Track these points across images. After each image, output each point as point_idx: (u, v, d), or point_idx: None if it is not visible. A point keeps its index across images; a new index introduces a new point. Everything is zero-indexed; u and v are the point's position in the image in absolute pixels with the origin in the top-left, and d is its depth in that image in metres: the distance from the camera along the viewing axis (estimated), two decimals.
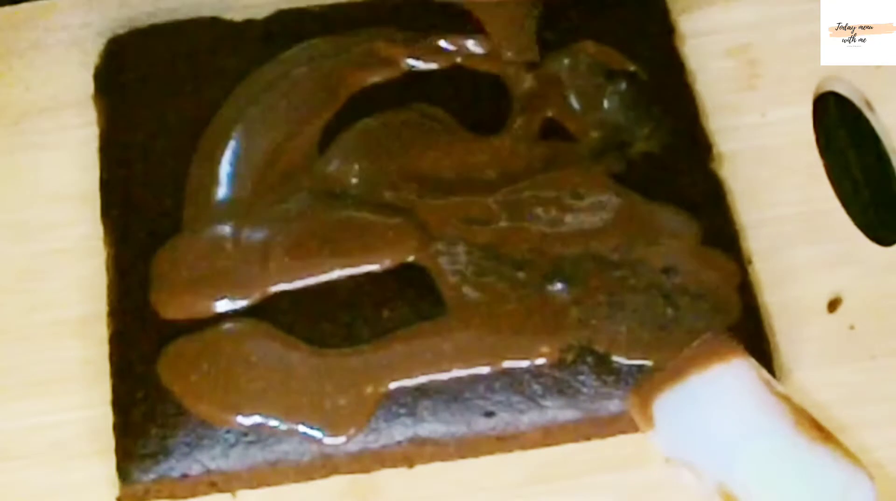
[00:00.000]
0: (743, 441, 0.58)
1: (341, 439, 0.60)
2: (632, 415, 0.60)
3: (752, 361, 0.60)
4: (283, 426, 0.60)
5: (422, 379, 0.60)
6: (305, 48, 0.68)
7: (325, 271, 0.62)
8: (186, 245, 0.64)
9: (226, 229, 0.64)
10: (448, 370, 0.60)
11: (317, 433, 0.60)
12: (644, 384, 0.60)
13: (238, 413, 0.60)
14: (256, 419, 0.60)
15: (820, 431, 0.59)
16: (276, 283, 0.62)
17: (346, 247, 0.63)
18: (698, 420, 0.59)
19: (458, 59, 0.67)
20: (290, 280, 0.62)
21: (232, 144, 0.66)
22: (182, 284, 0.63)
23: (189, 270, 0.63)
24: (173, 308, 0.62)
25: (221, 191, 0.65)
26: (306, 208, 0.64)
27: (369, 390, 0.60)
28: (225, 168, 0.65)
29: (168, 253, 0.64)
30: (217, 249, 0.63)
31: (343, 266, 0.62)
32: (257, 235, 0.63)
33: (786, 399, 0.59)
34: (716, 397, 0.59)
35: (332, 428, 0.60)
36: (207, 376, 0.61)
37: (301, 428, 0.60)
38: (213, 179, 0.65)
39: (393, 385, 0.60)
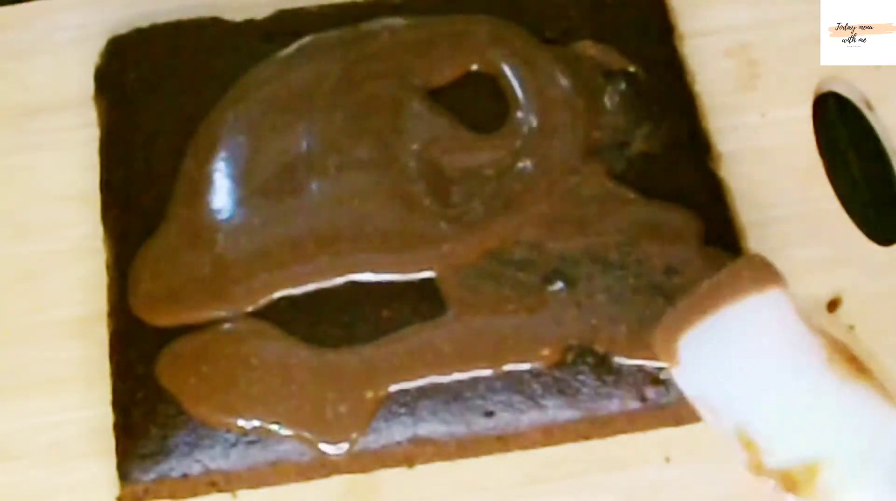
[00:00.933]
0: (771, 379, 0.55)
1: (343, 446, 0.60)
2: (655, 350, 0.58)
3: (790, 291, 0.57)
4: (284, 431, 0.60)
5: (422, 382, 0.60)
6: (304, 45, 0.68)
7: (324, 277, 0.62)
8: (171, 248, 0.63)
9: (215, 233, 0.63)
10: (448, 373, 0.60)
11: (318, 441, 0.60)
12: (672, 317, 0.57)
13: (238, 417, 0.60)
14: (256, 423, 0.60)
15: (854, 365, 0.55)
16: (271, 292, 0.62)
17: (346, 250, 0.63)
18: (726, 357, 0.56)
19: (475, 67, 0.67)
20: (287, 287, 0.62)
21: (226, 143, 0.65)
22: (165, 292, 0.62)
23: (172, 277, 0.63)
24: (155, 317, 0.62)
25: (213, 191, 0.64)
26: (302, 210, 0.64)
27: (370, 395, 0.60)
28: (217, 167, 0.65)
29: (150, 255, 0.63)
30: (204, 254, 0.63)
31: (343, 272, 0.62)
32: (250, 238, 0.63)
33: (821, 332, 0.56)
34: (747, 331, 0.56)
35: (334, 436, 0.60)
36: (207, 378, 0.60)
37: (301, 435, 0.60)
38: (204, 178, 0.65)
39: (393, 388, 0.60)
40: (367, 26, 0.68)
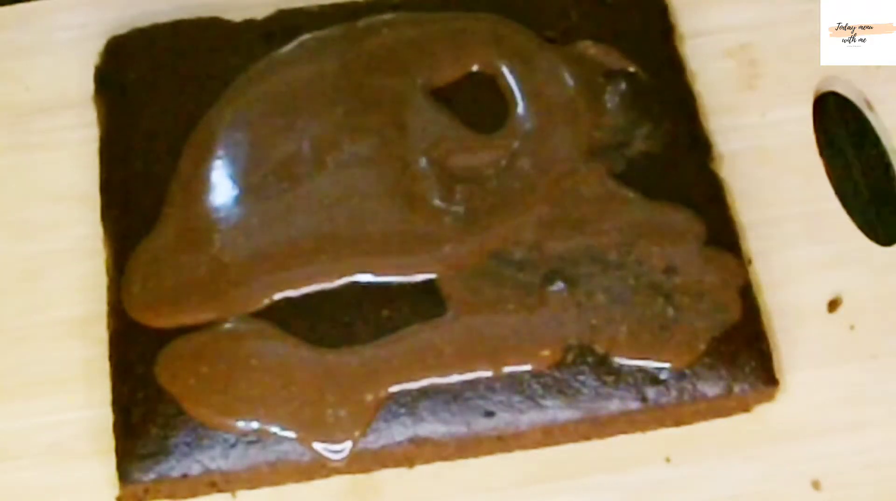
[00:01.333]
0: None
1: (344, 449, 0.60)
2: None
3: None
4: (284, 434, 0.60)
5: (422, 383, 0.60)
6: (303, 42, 0.68)
7: (324, 279, 0.62)
8: (166, 250, 0.63)
9: (211, 234, 0.63)
10: (448, 374, 0.60)
11: (318, 444, 0.60)
12: None
13: (238, 419, 0.60)
14: (256, 425, 0.60)
15: None
16: (270, 294, 0.62)
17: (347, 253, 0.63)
18: None
19: (475, 68, 0.67)
20: (286, 289, 0.62)
21: (222, 142, 0.65)
22: (159, 294, 0.62)
23: (167, 279, 0.62)
24: (149, 318, 0.62)
25: (209, 190, 0.64)
26: (302, 210, 0.64)
27: (369, 397, 0.60)
28: (213, 166, 0.65)
29: (144, 257, 0.63)
30: (200, 255, 0.63)
31: (344, 274, 0.62)
32: (248, 239, 0.63)
33: None
34: None
35: (334, 440, 0.60)
36: (206, 379, 0.60)
37: (302, 438, 0.60)
38: (200, 178, 0.64)
39: (393, 389, 0.60)
40: (366, 22, 0.68)
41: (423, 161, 0.64)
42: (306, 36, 0.68)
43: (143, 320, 0.62)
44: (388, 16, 0.68)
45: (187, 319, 0.62)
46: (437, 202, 0.63)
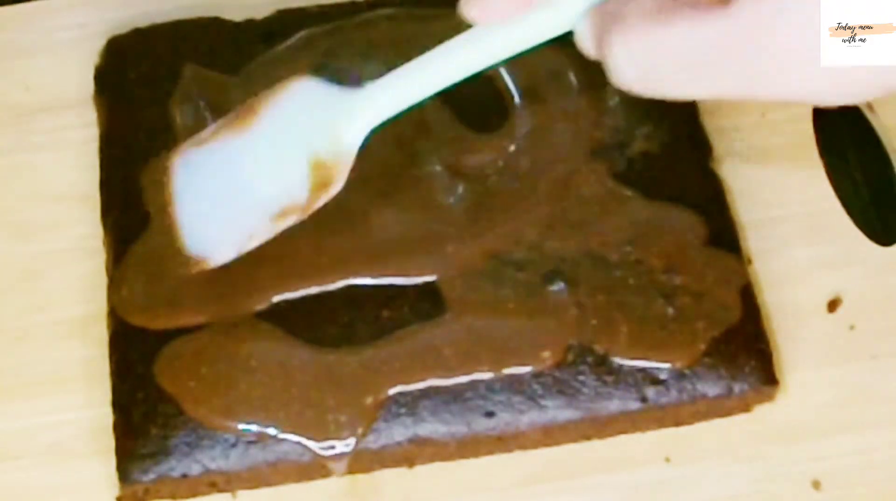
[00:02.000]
0: None
1: (345, 450, 0.60)
2: None
3: None
4: (283, 435, 0.60)
5: (422, 385, 0.60)
6: (299, 41, 0.68)
7: (324, 282, 0.62)
8: (161, 250, 0.62)
9: None
10: (448, 376, 0.60)
11: (317, 446, 0.60)
12: None
13: (238, 421, 0.60)
14: (255, 427, 0.60)
15: None
16: (268, 297, 0.62)
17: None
18: None
19: None
20: (284, 291, 0.62)
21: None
22: (152, 296, 0.62)
23: (161, 280, 0.62)
24: (140, 320, 0.62)
25: None
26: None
27: (369, 400, 0.60)
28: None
29: (136, 258, 0.63)
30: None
31: (344, 276, 0.62)
32: None
33: None
34: None
35: (334, 442, 0.60)
36: (206, 380, 0.60)
37: (302, 442, 0.60)
38: None
39: (393, 391, 0.60)
40: (364, 18, 0.68)
41: (422, 161, 0.64)
42: (303, 32, 0.68)
43: (136, 322, 0.62)
44: (387, 11, 0.68)
45: (184, 321, 0.61)
46: (438, 204, 0.63)
